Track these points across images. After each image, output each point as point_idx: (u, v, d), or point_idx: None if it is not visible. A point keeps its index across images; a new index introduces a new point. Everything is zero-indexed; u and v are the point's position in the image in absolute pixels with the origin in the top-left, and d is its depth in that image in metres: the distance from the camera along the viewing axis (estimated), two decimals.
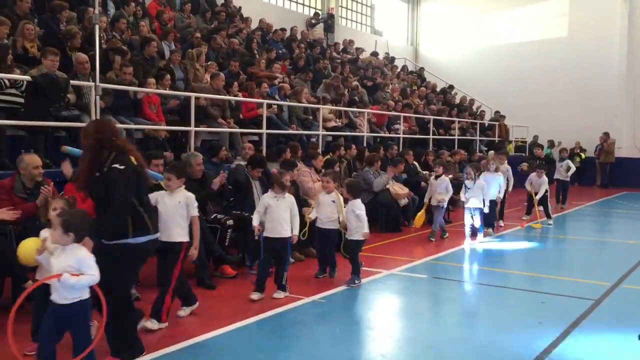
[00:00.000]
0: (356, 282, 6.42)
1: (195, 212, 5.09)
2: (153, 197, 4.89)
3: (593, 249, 9.78)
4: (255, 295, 5.79)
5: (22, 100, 6.89)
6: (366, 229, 6.59)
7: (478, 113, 19.91)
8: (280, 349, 4.54)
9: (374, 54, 20.17)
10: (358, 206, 6.64)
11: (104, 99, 7.75)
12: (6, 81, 6.73)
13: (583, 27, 22.12)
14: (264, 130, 9.92)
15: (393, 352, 4.60)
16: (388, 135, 14.03)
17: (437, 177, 9.43)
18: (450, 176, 10.12)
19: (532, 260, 8.68)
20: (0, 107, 6.74)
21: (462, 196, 9.31)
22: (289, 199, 6.09)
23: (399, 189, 10.06)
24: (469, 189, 9.12)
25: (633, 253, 8.80)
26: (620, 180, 20.57)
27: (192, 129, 8.64)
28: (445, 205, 9.55)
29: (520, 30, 23.52)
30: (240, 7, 15.50)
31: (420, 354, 4.68)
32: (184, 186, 5.17)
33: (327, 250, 6.86)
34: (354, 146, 11.01)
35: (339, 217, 6.80)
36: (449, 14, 25.33)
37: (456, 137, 16.58)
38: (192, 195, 5.13)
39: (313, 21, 19.24)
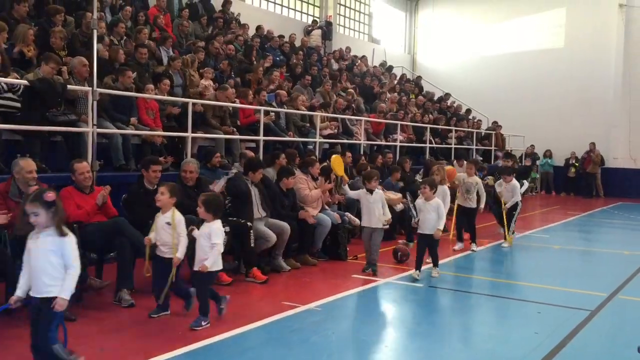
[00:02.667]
0: (203, 324, 5.09)
1: None
2: None
3: (589, 259, 9.79)
4: None
5: (18, 104, 6.86)
6: (209, 263, 5.11)
7: (475, 122, 19.98)
8: (275, 358, 4.51)
9: (365, 61, 20.16)
10: (216, 233, 5.19)
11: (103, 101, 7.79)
12: (4, 85, 6.71)
13: (580, 37, 22.25)
14: (261, 137, 9.93)
15: None
16: (385, 143, 14.06)
17: (370, 191, 7.52)
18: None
19: (528, 270, 8.67)
20: None
21: (413, 219, 7.55)
22: (60, 240, 3.83)
23: (392, 195, 10.04)
24: (420, 210, 7.29)
25: (629, 264, 8.80)
26: (616, 191, 20.64)
27: (189, 134, 8.62)
28: (383, 227, 7.68)
29: (517, 40, 23.61)
30: (239, 14, 15.52)
31: None
32: None
33: (161, 284, 5.32)
34: (348, 153, 11.01)
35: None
36: (446, 23, 25.44)
37: (453, 145, 16.62)
38: None
39: (309, 28, 19.30)
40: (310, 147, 11.44)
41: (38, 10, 9.43)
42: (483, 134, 19.46)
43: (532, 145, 21.87)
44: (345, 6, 22.77)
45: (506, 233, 9.85)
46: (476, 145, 18.22)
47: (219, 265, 5.32)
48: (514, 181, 9.90)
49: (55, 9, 8.99)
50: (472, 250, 9.24)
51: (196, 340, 4.74)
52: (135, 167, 7.95)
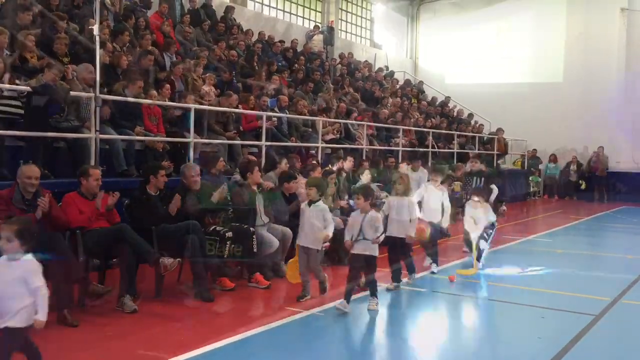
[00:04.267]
0: None
1: None
2: None
3: (592, 263, 9.75)
4: None
5: (21, 110, 6.89)
6: (43, 315, 3.58)
7: (477, 126, 19.97)
8: None
9: (367, 65, 20.20)
10: (36, 272, 3.64)
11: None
12: (6, 91, 6.73)
13: (581, 41, 22.24)
14: (263, 142, 9.94)
15: None
16: (387, 147, 14.07)
17: (310, 203, 6.23)
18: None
19: (531, 274, 8.64)
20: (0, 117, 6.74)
21: (346, 236, 5.99)
22: None
23: None
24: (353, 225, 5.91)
25: (632, 268, 8.78)
26: (619, 195, 20.60)
27: (192, 140, 8.64)
28: (322, 249, 6.40)
29: (518, 44, 23.62)
30: (240, 24, 15.55)
31: None
32: None
33: None
34: (349, 158, 11.00)
35: None
36: (448, 28, 25.42)
37: (455, 150, 16.61)
38: None
39: (311, 33, 19.36)
40: (313, 152, 11.45)
41: (42, 18, 9.46)
42: (485, 138, 19.45)
43: (534, 150, 21.85)
44: (347, 11, 22.83)
45: (474, 259, 7.92)
46: (478, 149, 18.22)
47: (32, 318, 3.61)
48: (485, 206, 8.08)
49: (59, 15, 9.04)
50: (432, 273, 7.75)
51: (199, 346, 4.73)
52: (138, 173, 7.96)
